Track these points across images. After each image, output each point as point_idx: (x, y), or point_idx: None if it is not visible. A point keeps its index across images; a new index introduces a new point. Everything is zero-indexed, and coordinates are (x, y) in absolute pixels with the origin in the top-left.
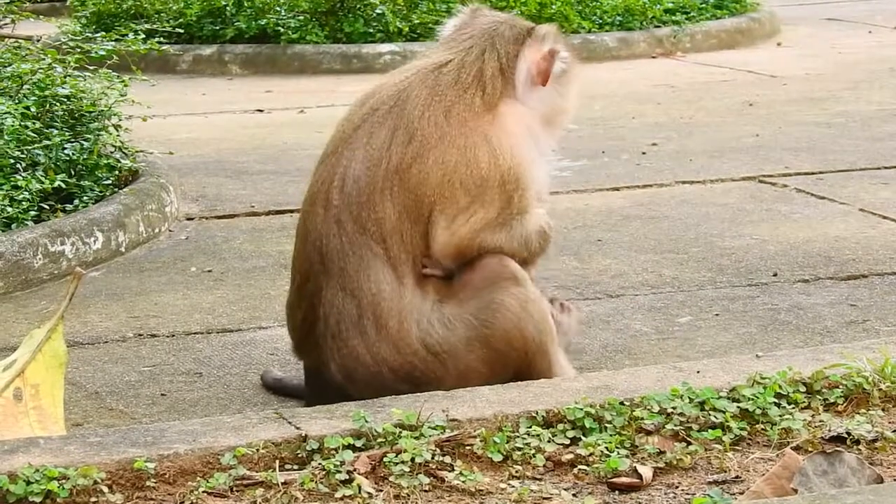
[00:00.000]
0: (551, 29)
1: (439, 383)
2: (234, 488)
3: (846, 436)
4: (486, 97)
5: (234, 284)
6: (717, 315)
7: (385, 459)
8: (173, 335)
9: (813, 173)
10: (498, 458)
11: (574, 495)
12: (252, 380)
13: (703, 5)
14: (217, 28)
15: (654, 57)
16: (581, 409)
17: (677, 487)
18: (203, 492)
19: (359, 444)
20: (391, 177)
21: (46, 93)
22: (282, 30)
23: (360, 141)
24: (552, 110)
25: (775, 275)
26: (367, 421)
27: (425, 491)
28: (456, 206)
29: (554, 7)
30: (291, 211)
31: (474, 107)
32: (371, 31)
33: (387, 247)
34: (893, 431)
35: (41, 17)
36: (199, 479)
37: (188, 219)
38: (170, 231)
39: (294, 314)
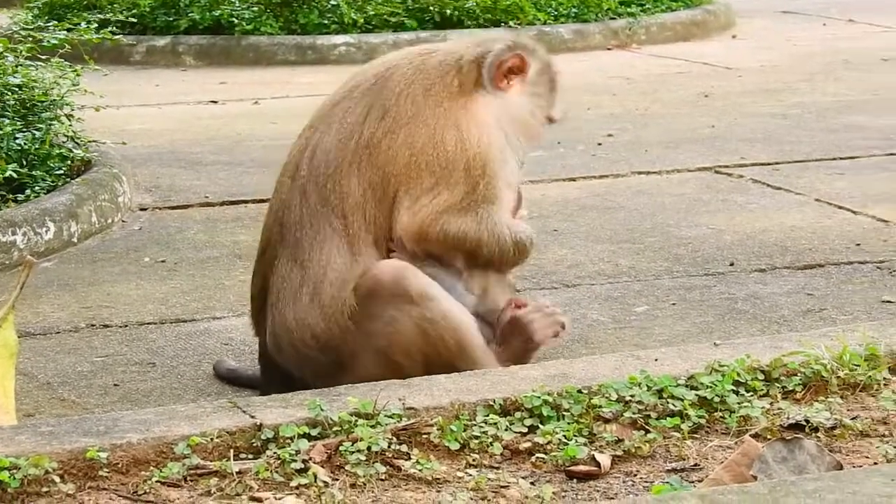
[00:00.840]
0: (531, 40)
1: (357, 359)
2: (188, 478)
3: (805, 423)
4: (462, 83)
5: (188, 275)
6: (673, 304)
7: (341, 448)
8: (126, 325)
9: (769, 164)
10: (455, 446)
11: (532, 483)
12: (206, 370)
13: None
14: (171, 19)
15: (609, 49)
16: (539, 398)
17: (636, 475)
18: (156, 481)
19: (314, 432)
20: (361, 151)
21: None
22: (236, 21)
23: (336, 116)
24: (519, 114)
25: (732, 264)
26: (322, 409)
27: (382, 480)
28: (420, 186)
29: None
30: (246, 202)
31: (451, 90)
32: (326, 22)
33: (347, 223)
34: (852, 419)
35: None
36: (152, 468)
37: (141, 209)
38: (123, 221)
39: (252, 284)
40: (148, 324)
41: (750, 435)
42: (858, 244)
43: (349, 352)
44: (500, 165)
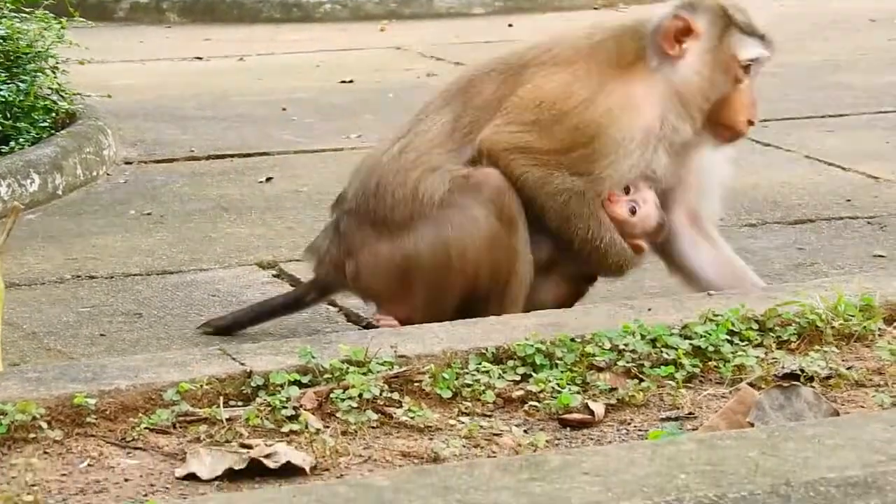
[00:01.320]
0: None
1: (416, 245)
2: (177, 424)
3: (800, 373)
4: (619, 57)
5: (174, 227)
6: None
7: (332, 396)
8: (112, 277)
9: (759, 121)
10: (447, 394)
11: (525, 431)
12: (193, 321)
13: None
14: None
15: (596, 8)
16: (532, 346)
17: (630, 424)
18: (145, 428)
19: (305, 380)
20: (513, 68)
21: None
22: None
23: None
24: (685, 89)
25: (722, 219)
26: (313, 357)
27: (373, 427)
28: (520, 117)
29: None
30: (231, 156)
31: (612, 60)
32: None
33: (465, 114)
34: (847, 368)
35: None
36: (140, 415)
37: (126, 163)
38: (108, 174)
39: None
40: (134, 275)
41: (745, 384)
42: (849, 200)
43: (414, 233)
44: (621, 149)
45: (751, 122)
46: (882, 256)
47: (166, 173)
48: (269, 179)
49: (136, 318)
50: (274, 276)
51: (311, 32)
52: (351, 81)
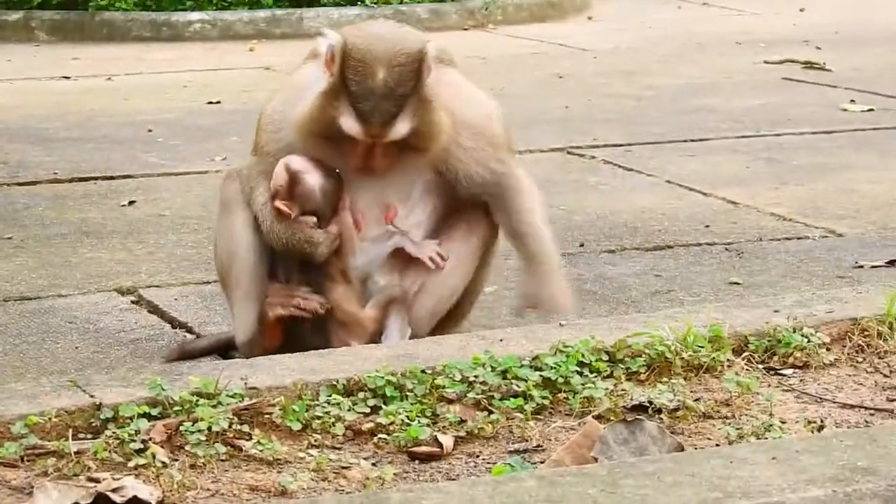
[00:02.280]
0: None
1: None
2: (25, 458)
3: (648, 405)
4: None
5: (35, 252)
6: None
7: (181, 428)
8: None
9: (621, 145)
10: (297, 426)
11: (374, 464)
12: (49, 348)
13: None
14: None
15: (465, 29)
16: (382, 378)
17: (478, 456)
18: None
19: (155, 412)
20: None
21: None
22: None
23: None
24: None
25: (581, 245)
26: (163, 389)
27: (222, 460)
28: None
29: None
30: (95, 178)
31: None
32: None
33: None
34: (695, 400)
35: None
36: None
37: None
38: None
39: None
40: None
41: (593, 416)
42: (707, 226)
43: None
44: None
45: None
46: (738, 283)
47: (28, 196)
48: (131, 203)
49: None
50: (132, 302)
51: (181, 52)
52: (218, 102)
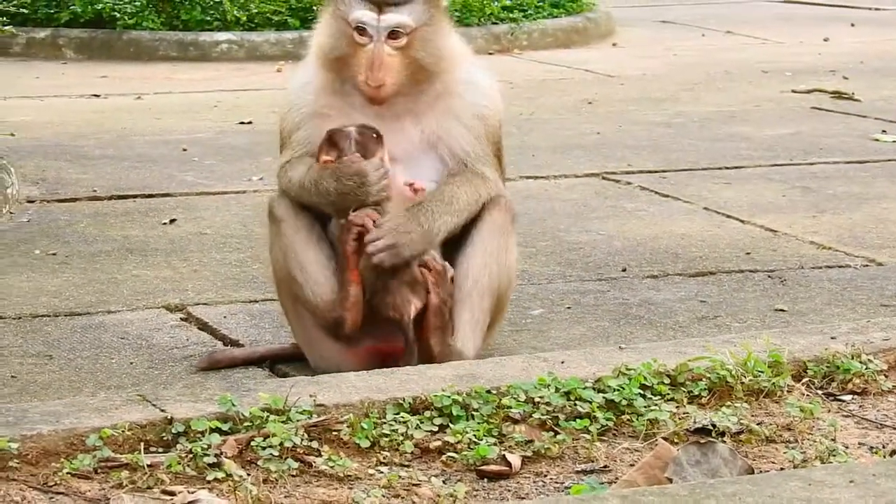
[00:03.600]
0: None
1: None
2: (99, 470)
3: (711, 427)
4: None
5: (80, 268)
6: (568, 308)
7: (252, 443)
8: (20, 317)
9: (656, 171)
10: (366, 444)
11: (444, 482)
12: (104, 363)
13: (541, 4)
14: (52, 11)
15: (491, 54)
16: (448, 397)
17: (546, 476)
18: (67, 473)
19: (225, 427)
20: None
21: None
22: (118, 15)
23: None
24: (316, 51)
25: (624, 270)
26: (233, 404)
27: (293, 476)
28: None
29: None
30: (134, 196)
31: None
32: (209, 18)
33: None
34: (758, 424)
35: None
36: (62, 460)
37: (29, 201)
38: (11, 213)
39: None
40: (42, 316)
41: (661, 439)
42: (748, 253)
43: None
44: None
45: (375, 85)
46: (783, 311)
47: (69, 213)
48: (172, 221)
49: (47, 360)
50: (182, 319)
51: (208, 72)
52: (250, 122)
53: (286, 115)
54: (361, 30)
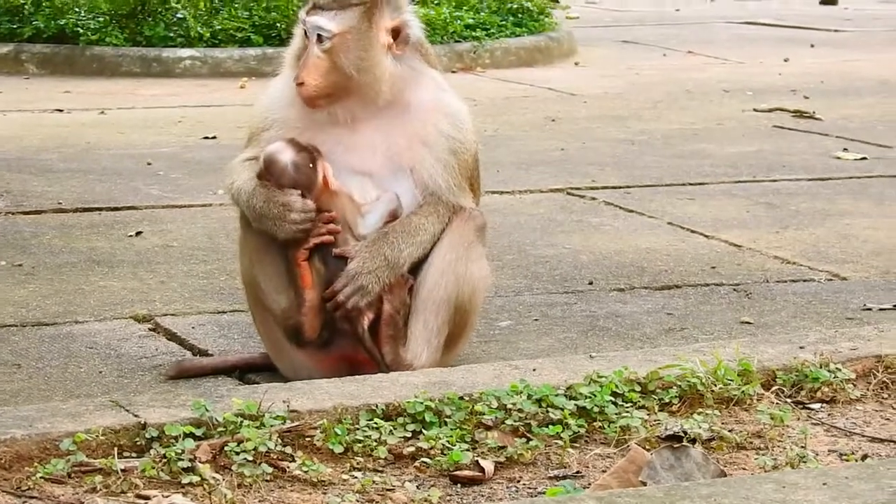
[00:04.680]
0: None
1: None
2: (73, 474)
3: (683, 434)
4: None
5: (46, 279)
6: (536, 320)
7: (226, 448)
8: None
9: (620, 187)
10: (339, 449)
11: (417, 487)
12: (73, 372)
13: (503, 23)
14: (14, 27)
15: (454, 72)
16: (421, 403)
17: (519, 481)
18: (41, 477)
19: (199, 432)
20: None
21: None
22: (81, 31)
23: None
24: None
25: (591, 283)
26: (207, 410)
27: (267, 480)
28: None
29: None
30: (100, 209)
31: None
32: (172, 35)
33: None
34: (729, 431)
35: None
36: (36, 464)
37: None
38: None
39: None
40: (9, 326)
41: (634, 444)
42: (713, 267)
43: None
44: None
45: (297, 83)
46: (749, 323)
47: (35, 225)
48: (138, 233)
49: (16, 369)
50: (150, 329)
51: (171, 88)
52: (214, 137)
53: (257, 114)
54: (306, 32)
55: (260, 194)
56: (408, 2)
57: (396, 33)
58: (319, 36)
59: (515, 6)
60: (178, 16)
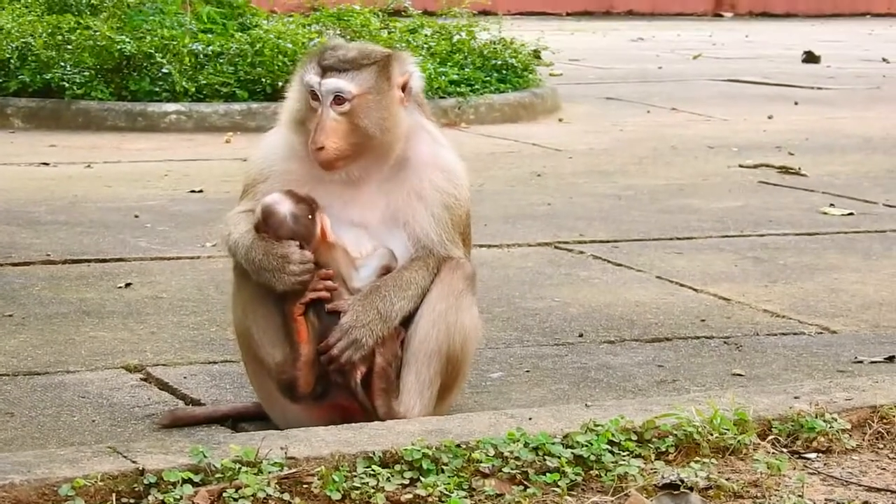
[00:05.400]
0: None
1: None
2: None
3: (680, 483)
4: None
5: (37, 329)
6: (527, 371)
7: (224, 495)
8: None
9: (608, 241)
10: (337, 496)
11: None
12: (66, 421)
13: (488, 79)
14: (0, 81)
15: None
16: (419, 451)
17: None
18: None
19: (197, 479)
20: None
21: None
22: (67, 85)
23: None
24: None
25: (581, 335)
26: (205, 456)
27: None
28: None
29: None
30: (89, 261)
31: None
32: (157, 90)
33: None
34: (727, 479)
35: None
36: None
37: None
38: None
39: None
40: (1, 375)
41: (634, 491)
42: (703, 320)
43: None
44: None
45: (315, 147)
46: (741, 375)
47: (24, 276)
48: (128, 285)
49: (9, 418)
50: (142, 379)
51: (157, 142)
52: (201, 191)
53: (253, 166)
54: (314, 94)
55: (258, 247)
56: (410, 54)
57: (404, 87)
58: (336, 97)
59: (500, 62)
60: (164, 70)
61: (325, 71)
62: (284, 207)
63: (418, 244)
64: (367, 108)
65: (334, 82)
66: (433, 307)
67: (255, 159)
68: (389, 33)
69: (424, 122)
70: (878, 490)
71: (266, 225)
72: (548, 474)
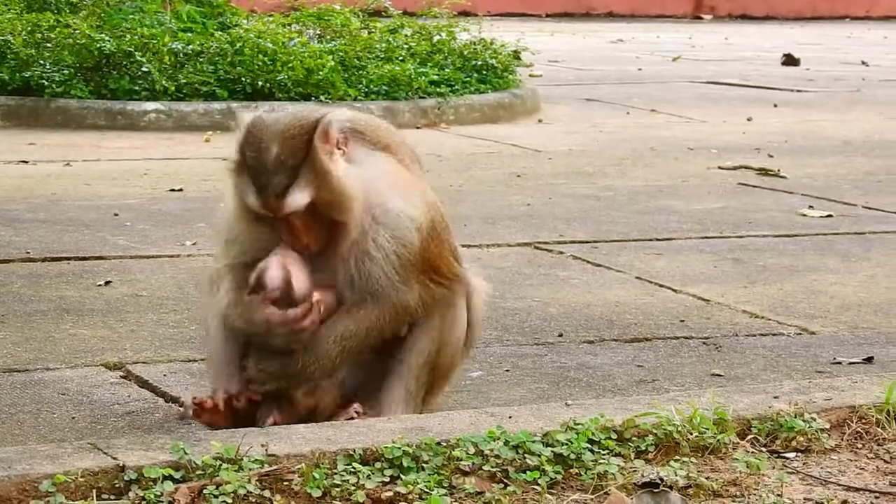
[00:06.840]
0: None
1: None
2: None
3: (659, 481)
4: None
5: (16, 326)
6: (507, 371)
7: (205, 491)
8: None
9: (587, 242)
10: (317, 493)
11: None
12: (46, 418)
13: (468, 79)
14: None
15: (418, 127)
16: (399, 448)
17: None
18: None
19: (177, 475)
20: None
21: None
22: (46, 83)
23: None
24: None
25: (560, 335)
26: (186, 452)
27: None
28: None
29: (321, 74)
30: (68, 258)
31: None
32: (137, 88)
33: None
34: (706, 478)
35: None
36: None
37: None
38: None
39: None
40: None
41: (614, 489)
42: (682, 320)
43: None
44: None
45: (302, 248)
46: (720, 375)
47: (3, 274)
48: (107, 283)
49: None
50: (122, 377)
51: (136, 140)
52: (181, 190)
53: (224, 226)
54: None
55: (252, 308)
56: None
57: (338, 142)
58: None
59: (480, 63)
60: (143, 69)
61: (270, 202)
62: (277, 272)
63: (370, 293)
64: (323, 199)
65: (288, 204)
66: (426, 322)
67: (225, 221)
68: (370, 33)
69: (369, 156)
70: (857, 489)
71: (258, 284)
72: (528, 472)
